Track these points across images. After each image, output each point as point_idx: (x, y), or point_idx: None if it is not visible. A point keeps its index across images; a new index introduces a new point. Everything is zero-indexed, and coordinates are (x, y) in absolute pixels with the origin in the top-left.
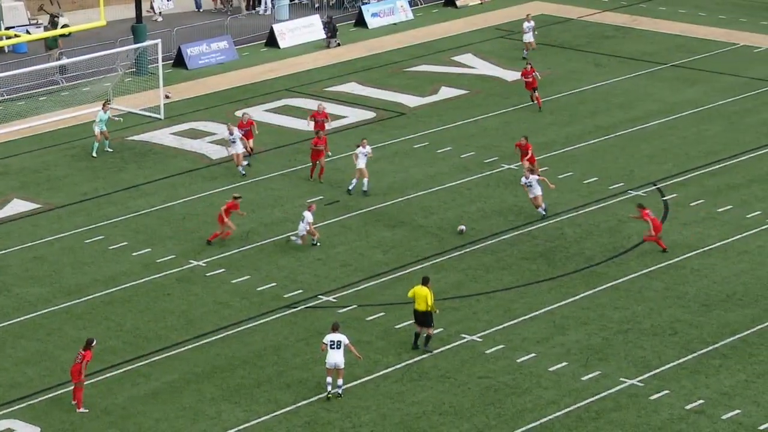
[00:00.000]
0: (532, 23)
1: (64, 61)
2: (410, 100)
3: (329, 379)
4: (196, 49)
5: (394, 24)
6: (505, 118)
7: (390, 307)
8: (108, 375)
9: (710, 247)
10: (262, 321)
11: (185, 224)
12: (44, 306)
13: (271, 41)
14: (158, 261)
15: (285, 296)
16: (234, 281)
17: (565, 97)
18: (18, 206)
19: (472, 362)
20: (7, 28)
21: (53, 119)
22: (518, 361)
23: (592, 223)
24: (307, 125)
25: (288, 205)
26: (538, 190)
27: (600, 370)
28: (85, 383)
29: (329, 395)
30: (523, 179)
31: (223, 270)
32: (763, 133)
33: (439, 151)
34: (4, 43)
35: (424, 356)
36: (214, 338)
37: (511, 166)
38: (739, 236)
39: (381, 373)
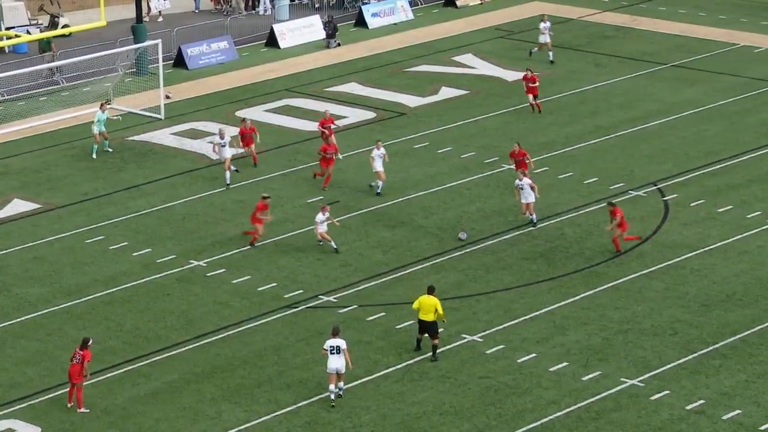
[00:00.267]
0: (548, 23)
1: (58, 62)
2: (410, 100)
3: (332, 387)
4: (196, 49)
5: (395, 24)
6: (505, 118)
7: (390, 308)
8: (108, 375)
9: (710, 247)
10: (262, 321)
11: (185, 224)
12: (44, 306)
13: (272, 41)
14: (158, 261)
15: (285, 296)
16: (234, 281)
17: (565, 97)
18: (18, 206)
19: (472, 362)
20: (8, 29)
21: (53, 119)
22: (518, 361)
23: (592, 223)
24: (321, 136)
25: (288, 206)
26: (531, 197)
27: (600, 370)
28: (85, 383)
29: (333, 404)
30: (517, 181)
31: (223, 270)
32: (763, 133)
33: (439, 151)
34: (5, 43)
35: (424, 356)
36: (214, 338)
37: (512, 167)
38: (739, 236)
39: (381, 373)
